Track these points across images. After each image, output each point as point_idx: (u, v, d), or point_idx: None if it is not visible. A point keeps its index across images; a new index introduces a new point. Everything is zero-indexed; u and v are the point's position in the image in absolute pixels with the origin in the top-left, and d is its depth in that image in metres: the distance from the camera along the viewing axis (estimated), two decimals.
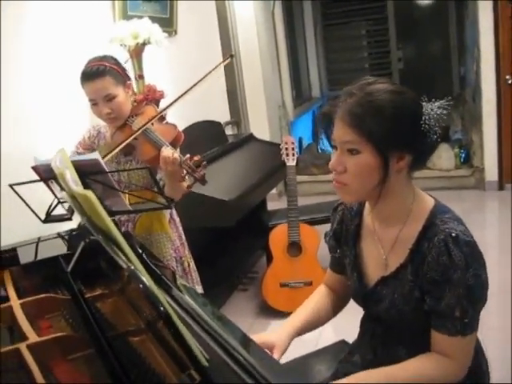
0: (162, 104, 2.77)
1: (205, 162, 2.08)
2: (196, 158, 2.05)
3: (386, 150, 1.31)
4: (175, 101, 2.24)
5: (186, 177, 2.10)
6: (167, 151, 2.06)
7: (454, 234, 1.31)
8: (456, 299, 1.30)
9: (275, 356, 1.47)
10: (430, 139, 1.35)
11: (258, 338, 1.45)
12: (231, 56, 2.16)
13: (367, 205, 1.53)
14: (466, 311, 1.31)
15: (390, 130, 1.30)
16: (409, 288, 1.39)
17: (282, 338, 1.53)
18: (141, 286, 1.01)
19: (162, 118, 2.30)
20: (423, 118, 1.33)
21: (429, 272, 1.33)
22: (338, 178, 1.37)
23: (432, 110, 1.35)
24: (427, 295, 1.36)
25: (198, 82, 2.24)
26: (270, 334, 1.56)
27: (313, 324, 1.65)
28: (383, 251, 1.47)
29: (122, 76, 2.23)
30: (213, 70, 2.23)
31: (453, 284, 1.30)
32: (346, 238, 1.60)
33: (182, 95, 2.22)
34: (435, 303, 1.34)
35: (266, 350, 1.41)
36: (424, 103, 1.36)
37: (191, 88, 2.22)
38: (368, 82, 1.37)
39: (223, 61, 2.20)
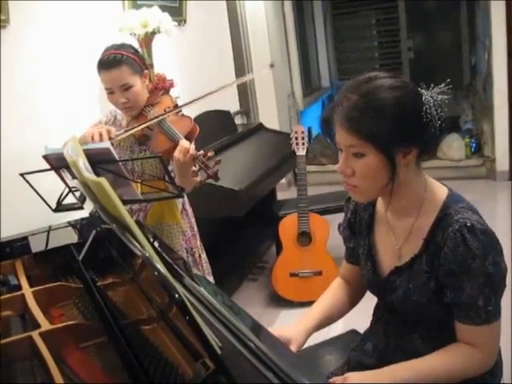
0: (172, 92, 2.76)
1: (218, 159, 2.06)
2: (210, 154, 2.04)
3: (390, 148, 1.30)
4: (195, 100, 2.22)
5: (199, 172, 2.09)
6: (187, 143, 2.05)
7: (469, 224, 1.30)
8: (478, 289, 1.29)
9: (292, 349, 1.46)
10: (434, 128, 1.32)
11: (275, 331, 1.45)
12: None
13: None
14: (489, 299, 1.30)
15: (391, 129, 1.28)
16: (424, 279, 1.38)
17: (300, 333, 1.52)
18: (156, 273, 1.01)
19: (179, 111, 2.29)
20: (424, 108, 1.31)
21: (446, 264, 1.32)
22: (348, 180, 1.37)
23: (432, 97, 1.33)
24: (446, 288, 1.35)
25: (223, 87, 2.23)
26: (288, 328, 1.55)
27: (330, 318, 1.63)
28: (397, 241, 1.47)
29: (139, 65, 2.21)
30: (236, 82, 2.21)
31: (472, 274, 1.29)
32: (359, 228, 1.59)
33: (202, 96, 2.20)
34: (456, 295, 1.33)
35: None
36: (423, 91, 1.34)
37: (211, 93, 2.20)
38: (364, 79, 1.34)
39: (245, 77, 2.19)
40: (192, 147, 2.06)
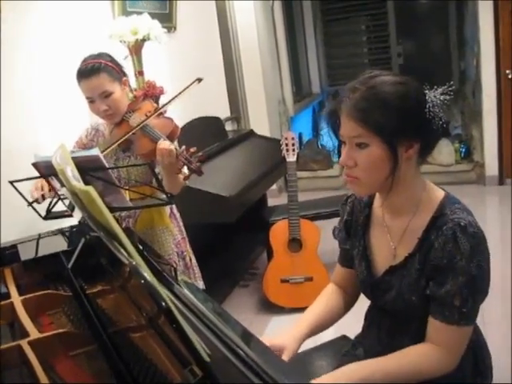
0: (162, 99, 2.77)
1: (200, 153, 2.08)
2: (192, 150, 2.06)
3: (394, 140, 1.32)
4: (172, 99, 2.24)
5: (183, 169, 2.11)
6: (164, 143, 2.07)
7: (462, 223, 1.32)
8: (457, 287, 1.31)
9: (284, 358, 1.47)
10: (436, 126, 1.36)
11: (267, 340, 1.45)
12: (198, 80, 2.18)
13: (377, 195, 1.54)
14: (465, 300, 1.32)
15: (397, 121, 1.31)
16: (416, 276, 1.40)
17: (292, 341, 1.52)
18: (142, 281, 1.01)
19: (159, 113, 2.31)
20: (427, 105, 1.34)
21: (434, 259, 1.35)
22: (350, 172, 1.38)
23: (435, 97, 1.36)
24: (431, 281, 1.37)
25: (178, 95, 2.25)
26: (280, 336, 1.55)
27: (322, 325, 1.63)
28: (392, 241, 1.48)
29: (117, 72, 2.24)
30: (182, 91, 2.23)
31: (456, 272, 1.31)
32: (355, 229, 1.60)
33: (167, 103, 2.25)
34: (436, 288, 1.35)
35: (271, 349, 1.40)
36: (426, 91, 1.37)
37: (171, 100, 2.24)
38: (370, 75, 1.39)
39: (191, 84, 2.21)
40: (174, 145, 2.07)
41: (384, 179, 1.37)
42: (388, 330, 1.54)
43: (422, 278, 1.39)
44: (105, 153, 2.07)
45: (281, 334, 1.57)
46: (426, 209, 1.41)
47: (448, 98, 1.37)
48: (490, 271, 1.36)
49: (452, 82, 1.39)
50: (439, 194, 1.44)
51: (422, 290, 1.39)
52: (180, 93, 2.23)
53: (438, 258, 1.33)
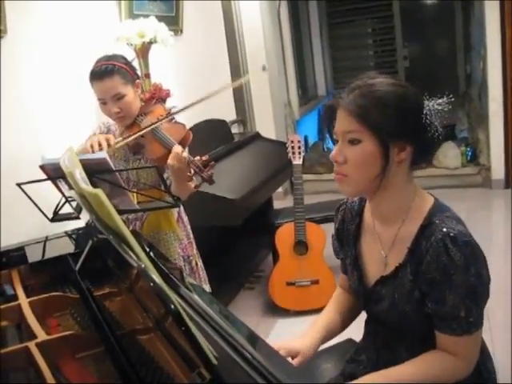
0: (169, 102, 2.77)
1: (213, 163, 2.07)
2: (204, 158, 2.05)
3: (387, 139, 1.32)
4: (187, 107, 2.22)
5: (194, 177, 2.10)
6: (179, 148, 2.07)
7: (452, 234, 1.30)
8: (459, 300, 1.30)
9: (296, 362, 1.47)
10: (431, 134, 1.35)
11: (282, 345, 1.44)
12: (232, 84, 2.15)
13: (368, 204, 1.53)
14: (470, 310, 1.31)
15: (392, 120, 1.31)
16: (409, 288, 1.38)
17: (307, 346, 1.52)
18: (151, 284, 1.01)
19: (171, 118, 2.30)
20: (424, 111, 1.35)
21: (428, 272, 1.33)
22: (339, 169, 1.38)
23: (433, 106, 1.36)
24: (428, 298, 1.35)
25: (216, 92, 2.22)
26: (295, 341, 1.54)
27: (336, 330, 1.63)
28: (383, 250, 1.47)
29: (131, 75, 2.23)
30: (232, 85, 2.21)
31: (454, 285, 1.30)
32: (347, 238, 1.59)
33: (194, 103, 2.21)
34: (438, 306, 1.33)
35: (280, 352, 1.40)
36: (425, 100, 1.37)
37: (205, 98, 2.20)
38: (369, 76, 1.39)
39: (241, 79, 2.19)
40: (185, 152, 2.07)
41: (373, 178, 1.35)
42: (384, 340, 1.53)
43: (415, 290, 1.38)
44: (117, 146, 2.07)
45: (295, 339, 1.56)
46: (415, 217, 1.39)
47: (446, 109, 1.36)
48: (488, 274, 1.34)
49: (451, 96, 1.39)
50: (428, 201, 1.42)
51: (416, 301, 1.38)
52: (205, 97, 2.20)
53: (433, 272, 1.32)
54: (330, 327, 1.61)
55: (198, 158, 2.05)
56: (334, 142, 1.40)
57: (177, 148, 2.07)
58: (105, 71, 2.14)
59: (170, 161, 2.06)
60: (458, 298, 1.30)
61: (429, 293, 1.35)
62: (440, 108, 1.36)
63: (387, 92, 1.33)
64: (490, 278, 1.35)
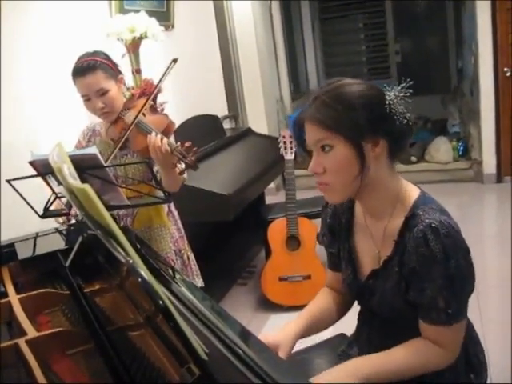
0: (160, 98, 2.76)
1: (196, 148, 2.07)
2: (187, 145, 2.05)
3: (357, 137, 1.32)
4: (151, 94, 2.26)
5: (178, 164, 2.10)
6: (153, 138, 2.06)
7: (434, 225, 1.30)
8: (437, 291, 1.31)
9: (280, 355, 1.46)
10: (400, 122, 1.35)
11: (264, 337, 1.44)
12: (174, 61, 2.18)
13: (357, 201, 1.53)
14: (448, 302, 1.32)
15: (356, 118, 1.32)
16: (396, 280, 1.39)
17: (286, 338, 1.52)
18: (140, 280, 1.01)
19: (154, 109, 2.31)
20: (387, 102, 1.35)
21: (409, 262, 1.34)
22: (320, 179, 1.40)
23: (395, 95, 1.36)
24: (410, 287, 1.37)
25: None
26: (276, 334, 1.54)
27: (318, 326, 1.63)
28: (375, 245, 1.48)
29: (113, 70, 2.23)
30: (163, 76, 2.22)
31: (432, 275, 1.31)
32: (339, 232, 1.59)
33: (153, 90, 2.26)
34: (418, 295, 1.35)
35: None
36: (385, 90, 1.38)
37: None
38: (327, 82, 1.41)
39: (168, 66, 2.21)
40: (167, 140, 2.07)
41: (354, 180, 1.35)
42: (378, 332, 1.54)
43: (401, 281, 1.39)
44: (109, 160, 2.08)
45: (276, 332, 1.56)
46: (401, 209, 1.40)
47: (407, 94, 1.36)
48: (472, 265, 1.35)
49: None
50: (414, 193, 1.43)
51: (404, 293, 1.39)
52: (161, 79, 2.22)
53: (413, 262, 1.33)
54: (311, 323, 1.60)
55: (178, 143, 2.05)
56: (310, 154, 1.41)
57: (151, 138, 2.06)
58: (87, 67, 2.14)
59: (151, 153, 2.06)
60: (436, 289, 1.31)
61: (410, 282, 1.36)
62: (402, 95, 1.36)
63: (346, 93, 1.34)
64: (474, 271, 1.36)
